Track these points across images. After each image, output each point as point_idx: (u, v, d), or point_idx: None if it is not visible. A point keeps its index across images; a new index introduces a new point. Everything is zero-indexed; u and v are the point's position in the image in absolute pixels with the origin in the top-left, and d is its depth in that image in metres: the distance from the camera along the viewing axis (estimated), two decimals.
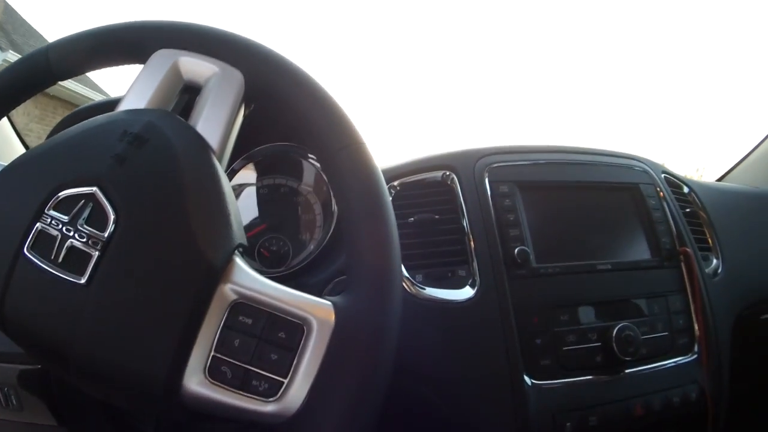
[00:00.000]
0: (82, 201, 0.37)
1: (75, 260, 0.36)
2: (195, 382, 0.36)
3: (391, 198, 0.44)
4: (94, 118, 0.44)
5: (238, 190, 0.75)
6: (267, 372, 0.37)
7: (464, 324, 0.68)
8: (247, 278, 0.39)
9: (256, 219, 0.75)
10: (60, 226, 0.37)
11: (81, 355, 0.36)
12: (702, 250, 0.85)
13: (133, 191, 0.38)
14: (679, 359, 0.76)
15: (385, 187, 0.43)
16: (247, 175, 0.76)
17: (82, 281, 0.36)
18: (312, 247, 0.73)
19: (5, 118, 1.07)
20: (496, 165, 0.76)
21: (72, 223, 0.37)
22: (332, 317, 0.38)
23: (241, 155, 0.75)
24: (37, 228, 0.37)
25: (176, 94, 0.48)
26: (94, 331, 0.35)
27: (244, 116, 0.49)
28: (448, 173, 0.75)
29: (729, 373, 0.79)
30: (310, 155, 0.75)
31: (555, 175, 0.79)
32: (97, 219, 0.37)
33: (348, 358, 0.37)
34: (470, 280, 0.69)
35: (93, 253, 0.36)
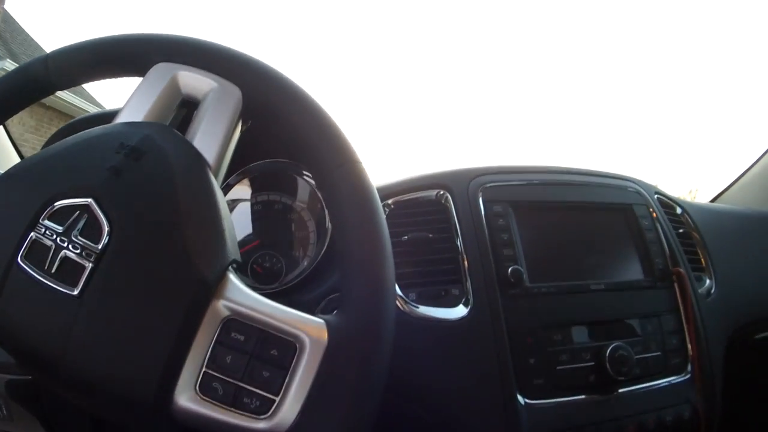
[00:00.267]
0: (77, 212, 0.37)
1: (68, 271, 0.36)
2: (186, 398, 0.36)
3: (385, 216, 0.44)
4: (90, 129, 0.44)
5: (233, 205, 0.75)
6: (258, 389, 0.36)
7: (457, 343, 0.68)
8: (240, 294, 0.38)
9: (249, 235, 0.75)
10: (54, 236, 0.37)
11: (71, 367, 0.35)
12: (695, 270, 0.86)
13: (128, 204, 0.38)
14: (672, 379, 0.76)
15: (380, 205, 0.43)
16: (242, 190, 0.76)
17: (75, 293, 0.36)
18: (305, 264, 0.73)
19: (1, 128, 1.07)
20: (490, 185, 0.76)
21: (66, 233, 0.37)
22: (325, 336, 0.38)
23: (236, 171, 0.75)
24: (31, 237, 0.37)
25: (174, 108, 0.48)
26: (85, 344, 0.35)
27: (241, 132, 0.49)
28: (442, 192, 0.76)
29: (722, 392, 0.79)
30: (305, 172, 0.76)
31: (549, 196, 0.79)
32: (92, 230, 0.37)
33: (340, 377, 0.37)
34: (463, 299, 0.69)
35: (86, 265, 0.36)
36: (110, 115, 0.47)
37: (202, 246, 0.38)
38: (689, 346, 0.78)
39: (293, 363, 0.37)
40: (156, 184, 0.40)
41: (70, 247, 0.36)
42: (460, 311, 0.68)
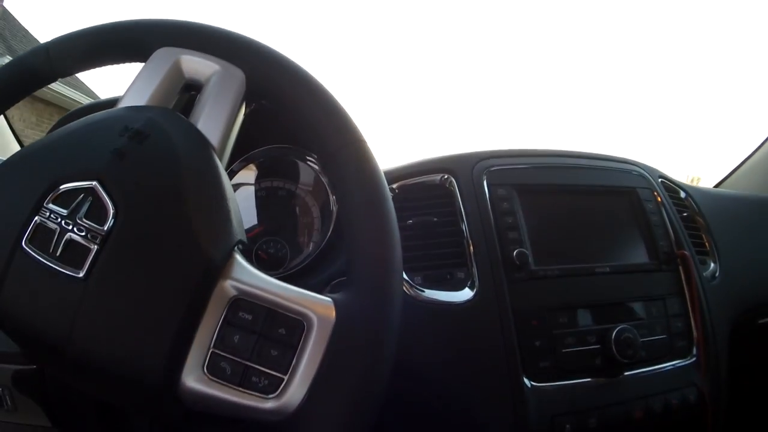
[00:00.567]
0: (82, 195, 0.37)
1: (73, 254, 0.36)
2: (193, 378, 0.36)
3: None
4: (93, 114, 0.44)
5: (236, 191, 0.75)
6: (267, 368, 0.36)
7: (463, 326, 0.68)
8: (247, 274, 0.38)
9: (253, 221, 0.75)
10: (59, 219, 0.36)
11: (77, 350, 0.35)
12: (699, 254, 0.86)
13: (133, 186, 0.38)
14: (678, 362, 0.76)
15: (386, 184, 0.43)
16: (246, 176, 0.75)
17: (80, 275, 0.35)
18: (310, 249, 0.73)
19: (2, 118, 1.07)
20: (494, 168, 0.76)
21: (71, 216, 0.36)
22: (333, 314, 0.38)
23: (239, 157, 0.75)
24: (35, 221, 0.37)
25: (177, 92, 0.48)
26: (91, 326, 0.35)
27: (245, 115, 0.49)
28: (446, 176, 0.75)
29: (727, 376, 0.79)
30: (308, 157, 0.75)
31: (553, 179, 0.79)
32: (97, 213, 0.37)
33: (349, 355, 0.37)
34: (469, 282, 0.69)
35: (92, 247, 0.36)
36: (112, 103, 0.46)
37: (208, 226, 0.38)
38: (694, 330, 0.78)
39: (301, 341, 0.37)
40: (161, 166, 0.39)
41: (75, 230, 0.36)
42: (465, 294, 0.68)
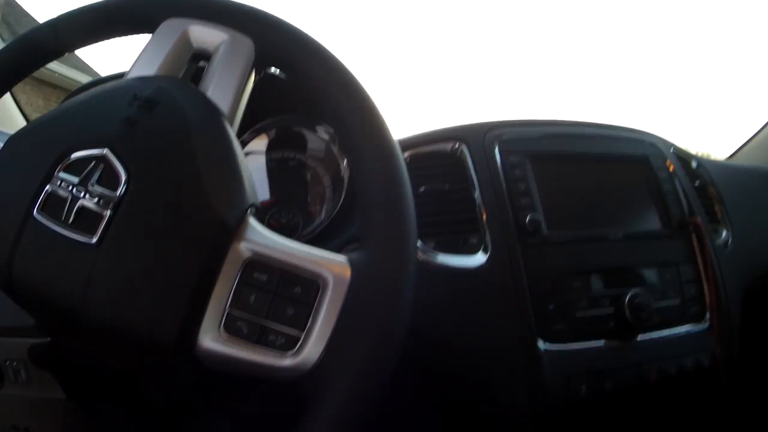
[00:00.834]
0: (93, 162, 0.37)
1: (86, 220, 0.36)
2: (210, 338, 0.36)
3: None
4: (102, 85, 0.44)
5: (247, 162, 0.75)
6: (283, 326, 0.36)
7: (477, 290, 0.68)
8: (261, 236, 0.39)
9: (265, 191, 0.75)
10: (70, 187, 0.37)
11: (91, 316, 0.36)
12: (712, 222, 0.86)
13: (144, 152, 0.38)
14: (691, 327, 0.76)
15: (398, 146, 0.43)
16: (256, 147, 0.76)
17: (94, 241, 0.36)
18: (321, 218, 0.73)
19: (9, 96, 1.08)
20: (506, 137, 0.76)
21: (83, 183, 0.37)
22: (348, 273, 0.38)
23: (249, 128, 0.76)
24: (47, 190, 0.37)
25: (186, 61, 0.48)
26: (105, 291, 0.35)
27: (254, 84, 0.49)
28: (458, 145, 0.75)
29: (739, 341, 0.80)
30: (318, 127, 0.76)
31: (565, 147, 0.79)
32: (108, 180, 0.37)
33: (365, 313, 0.37)
34: (482, 247, 0.69)
35: (104, 213, 0.36)
36: (120, 77, 0.47)
37: (221, 190, 0.38)
38: (707, 296, 0.78)
39: (317, 300, 0.37)
40: (171, 132, 0.40)
41: (86, 197, 0.36)
42: (479, 259, 0.69)
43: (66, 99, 0.71)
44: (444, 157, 0.76)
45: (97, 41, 0.51)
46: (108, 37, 0.51)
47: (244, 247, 0.38)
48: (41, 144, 0.40)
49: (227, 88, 0.45)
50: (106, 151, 0.38)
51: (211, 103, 0.43)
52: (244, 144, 0.75)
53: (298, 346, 0.36)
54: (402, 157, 0.43)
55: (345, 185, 0.72)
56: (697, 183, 0.88)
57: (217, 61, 0.46)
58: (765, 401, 1.00)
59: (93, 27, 0.50)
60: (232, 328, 0.36)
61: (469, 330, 0.68)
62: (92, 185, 0.37)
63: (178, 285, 0.36)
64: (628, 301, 0.70)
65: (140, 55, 0.47)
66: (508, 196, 0.72)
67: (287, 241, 0.39)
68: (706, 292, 0.78)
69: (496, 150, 0.75)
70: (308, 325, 0.37)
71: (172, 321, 0.35)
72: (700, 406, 0.78)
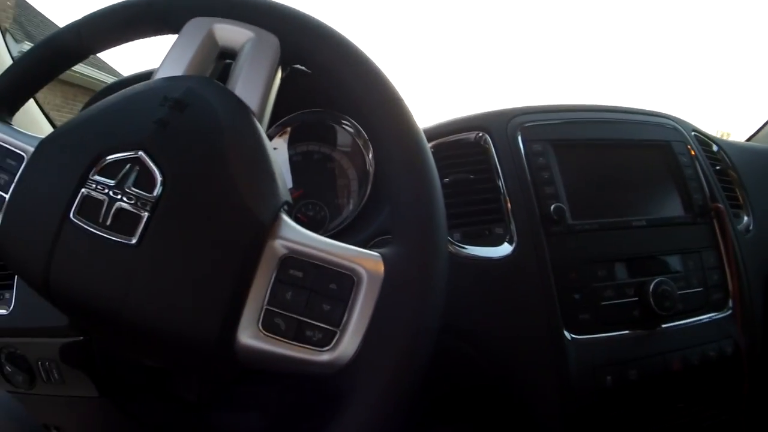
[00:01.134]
0: (128, 165, 0.38)
1: (124, 222, 0.37)
2: (248, 335, 0.37)
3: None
4: (130, 87, 0.44)
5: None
6: (320, 322, 0.37)
7: (503, 280, 0.69)
8: (295, 233, 0.39)
9: (291, 185, 0.75)
10: (106, 190, 0.38)
11: (133, 316, 0.36)
12: (733, 207, 0.85)
13: (178, 153, 0.39)
14: (714, 315, 0.76)
15: (425, 139, 0.43)
16: (281, 142, 0.76)
17: (133, 241, 0.36)
18: (348, 211, 0.73)
19: (32, 101, 1.07)
20: (528, 124, 0.76)
21: (119, 186, 0.37)
22: (381, 268, 0.38)
23: (274, 123, 0.75)
24: (82, 193, 0.38)
25: (212, 60, 0.48)
26: (146, 290, 0.36)
27: (281, 79, 0.49)
28: (481, 134, 0.75)
29: (762, 328, 0.80)
30: (343, 121, 0.76)
31: (587, 133, 0.79)
32: (145, 182, 0.38)
33: (399, 307, 0.37)
34: (507, 237, 0.70)
35: (142, 214, 0.37)
36: (146, 76, 0.47)
37: (255, 188, 0.39)
38: (730, 283, 0.78)
39: (352, 295, 0.37)
40: (204, 133, 0.40)
41: (124, 198, 0.37)
42: (504, 249, 0.69)
43: (92, 100, 0.71)
44: (468, 146, 0.76)
45: (121, 43, 0.52)
46: (132, 39, 0.51)
47: (279, 245, 0.38)
48: (74, 148, 0.40)
49: (255, 86, 0.45)
50: (140, 153, 0.38)
51: (240, 102, 0.44)
52: (269, 138, 0.75)
53: (334, 341, 0.37)
54: (429, 150, 0.43)
55: (371, 178, 0.72)
56: (718, 167, 0.88)
57: (243, 59, 0.47)
58: None
59: (117, 29, 0.50)
60: (269, 325, 0.37)
61: (496, 321, 0.68)
62: (129, 187, 0.37)
63: (217, 283, 0.36)
64: (653, 289, 0.70)
65: (167, 55, 0.47)
66: (533, 185, 0.72)
67: (321, 238, 0.40)
68: (729, 278, 0.78)
69: (519, 138, 0.75)
70: (344, 320, 0.37)
71: (212, 319, 0.36)
72: (723, 395, 0.78)
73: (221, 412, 0.76)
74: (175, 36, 0.48)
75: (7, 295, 0.72)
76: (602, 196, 0.76)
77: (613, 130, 0.80)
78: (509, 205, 0.71)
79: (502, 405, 0.74)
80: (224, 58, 0.50)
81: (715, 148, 0.91)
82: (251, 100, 0.44)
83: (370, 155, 0.73)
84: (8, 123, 0.49)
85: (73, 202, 0.38)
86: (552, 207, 0.70)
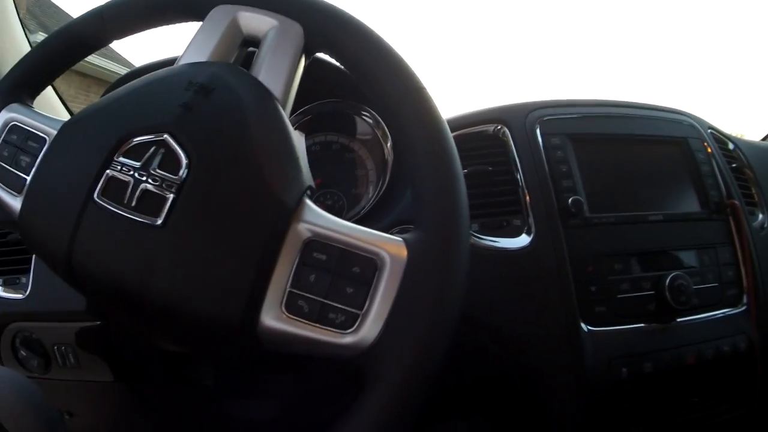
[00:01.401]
0: (153, 147, 0.38)
1: (149, 203, 0.37)
2: (271, 317, 0.37)
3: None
4: (155, 71, 0.45)
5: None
6: (343, 305, 0.37)
7: (520, 271, 0.69)
8: (318, 217, 0.39)
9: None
10: (132, 171, 0.38)
11: (156, 297, 0.36)
12: (748, 205, 0.85)
13: (203, 137, 0.39)
14: (728, 310, 0.77)
15: (448, 128, 0.43)
16: (300, 131, 0.76)
17: (158, 222, 0.37)
18: (366, 200, 0.74)
19: (50, 88, 1.08)
20: (547, 118, 0.76)
21: (144, 168, 0.38)
22: (404, 253, 0.38)
23: (293, 112, 0.76)
24: (107, 175, 0.38)
25: (236, 47, 0.49)
26: (171, 271, 0.36)
27: (305, 68, 0.49)
28: (500, 127, 0.76)
29: None
30: (363, 112, 0.76)
31: (605, 128, 0.79)
32: (170, 164, 0.38)
33: (422, 292, 0.38)
34: (525, 229, 0.70)
35: (168, 196, 0.37)
36: (169, 63, 0.47)
37: (279, 172, 0.39)
38: (744, 279, 0.79)
39: (375, 279, 0.38)
40: (229, 117, 0.40)
41: (149, 180, 0.38)
42: (522, 241, 0.69)
43: (113, 86, 0.71)
44: (486, 138, 0.76)
45: (144, 29, 0.52)
46: (155, 26, 0.51)
47: (303, 228, 0.38)
48: (99, 130, 0.41)
49: (279, 73, 0.45)
50: (165, 136, 0.39)
51: (264, 88, 0.44)
52: None
53: (357, 324, 0.37)
54: (452, 139, 0.43)
55: (389, 168, 0.72)
56: (734, 165, 0.88)
57: (267, 46, 0.47)
58: None
59: (141, 15, 0.50)
60: (292, 307, 0.37)
61: (513, 312, 0.69)
62: (154, 169, 0.38)
63: (242, 265, 0.36)
64: (669, 283, 0.71)
65: (191, 42, 0.47)
66: (551, 178, 0.72)
67: (344, 222, 0.40)
68: (743, 275, 0.79)
69: (538, 131, 0.75)
70: (367, 303, 0.37)
71: (236, 301, 0.36)
72: (736, 390, 0.78)
73: (237, 399, 0.76)
74: (199, 24, 0.48)
75: (23, 280, 0.73)
76: (619, 190, 0.76)
77: (630, 125, 0.81)
78: (527, 197, 0.71)
79: (517, 396, 0.74)
80: (247, 46, 0.50)
81: (731, 146, 0.92)
82: (275, 87, 0.44)
83: (389, 145, 0.73)
84: (30, 106, 0.49)
85: (98, 184, 0.38)
86: (570, 200, 0.70)
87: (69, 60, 0.52)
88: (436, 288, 0.38)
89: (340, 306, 0.37)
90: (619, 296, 0.70)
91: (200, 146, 0.39)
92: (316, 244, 0.38)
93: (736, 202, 0.81)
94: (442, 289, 0.38)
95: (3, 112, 0.47)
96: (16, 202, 0.43)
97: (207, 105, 0.40)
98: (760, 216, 0.87)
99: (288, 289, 0.37)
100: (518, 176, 0.72)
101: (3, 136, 0.46)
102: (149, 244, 0.37)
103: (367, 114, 0.76)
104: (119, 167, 0.38)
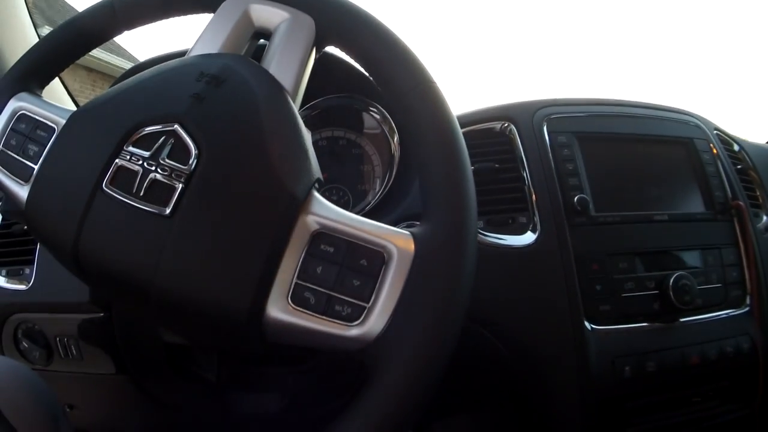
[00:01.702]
0: (163, 137, 0.38)
1: (158, 193, 0.37)
2: (278, 308, 0.37)
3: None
4: (166, 62, 0.45)
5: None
6: (350, 297, 0.37)
7: (525, 269, 0.69)
8: (326, 210, 0.39)
9: None
10: (141, 161, 0.38)
11: (163, 286, 0.36)
12: (753, 206, 0.86)
13: (213, 127, 0.39)
14: (732, 311, 0.77)
15: (457, 123, 0.43)
16: (307, 125, 0.76)
17: (167, 212, 0.37)
18: (371, 195, 0.74)
19: (58, 80, 1.08)
20: (554, 116, 0.76)
21: (154, 157, 0.38)
22: (412, 246, 0.38)
23: (300, 107, 0.75)
24: (116, 164, 0.38)
25: (247, 39, 0.49)
26: (178, 261, 0.36)
27: (315, 60, 0.49)
28: (507, 124, 0.76)
29: None
30: (370, 108, 0.76)
31: (612, 127, 0.79)
32: (179, 154, 0.38)
33: (429, 286, 0.38)
34: (531, 226, 0.70)
35: (176, 186, 0.37)
36: (180, 55, 0.47)
37: (289, 164, 0.39)
38: (748, 280, 0.79)
39: (382, 272, 0.37)
40: (239, 108, 0.40)
41: (158, 170, 0.37)
42: (528, 238, 0.69)
43: (120, 79, 0.71)
44: (493, 135, 0.76)
45: (156, 20, 0.52)
46: (166, 17, 0.51)
47: (311, 220, 0.38)
48: (109, 119, 0.41)
49: (289, 66, 0.45)
50: (176, 126, 0.39)
51: (274, 80, 0.44)
52: None
53: (363, 316, 0.37)
54: (461, 134, 0.43)
55: (396, 164, 0.72)
56: (739, 166, 0.88)
57: (278, 39, 0.47)
58: None
59: (152, 5, 0.50)
60: (299, 299, 0.37)
61: (517, 308, 0.69)
62: (163, 159, 0.38)
63: (249, 255, 0.36)
64: (673, 283, 0.71)
65: (203, 33, 0.47)
66: (557, 176, 0.72)
67: (352, 215, 0.40)
68: (747, 276, 0.79)
69: (544, 129, 0.75)
70: (373, 296, 0.37)
71: (243, 291, 0.36)
72: (739, 391, 0.79)
73: (239, 393, 0.76)
74: (210, 16, 0.48)
75: (27, 271, 0.73)
76: (625, 189, 0.76)
77: (637, 125, 0.81)
78: (533, 195, 0.71)
79: (521, 392, 0.74)
80: (258, 38, 0.50)
81: (736, 147, 0.92)
82: (285, 80, 0.44)
83: (396, 140, 0.73)
84: (38, 95, 0.49)
85: (107, 173, 0.38)
86: (576, 198, 0.70)
87: (78, 50, 0.52)
88: (444, 282, 0.38)
89: (346, 298, 0.37)
90: (624, 295, 0.70)
91: (210, 137, 0.38)
92: (324, 236, 0.38)
93: (741, 203, 0.81)
94: (449, 283, 0.38)
95: (12, 101, 0.47)
96: (23, 191, 0.43)
97: (218, 96, 0.40)
98: (765, 218, 0.87)
99: (294, 281, 0.37)
100: (525, 174, 0.72)
101: (11, 124, 0.46)
102: (157, 234, 0.36)
103: (375, 109, 0.76)
104: (129, 156, 0.38)
